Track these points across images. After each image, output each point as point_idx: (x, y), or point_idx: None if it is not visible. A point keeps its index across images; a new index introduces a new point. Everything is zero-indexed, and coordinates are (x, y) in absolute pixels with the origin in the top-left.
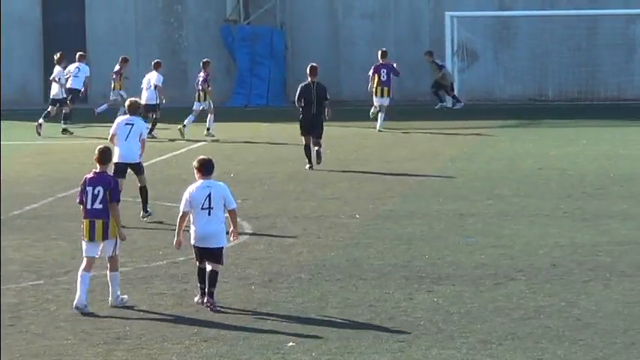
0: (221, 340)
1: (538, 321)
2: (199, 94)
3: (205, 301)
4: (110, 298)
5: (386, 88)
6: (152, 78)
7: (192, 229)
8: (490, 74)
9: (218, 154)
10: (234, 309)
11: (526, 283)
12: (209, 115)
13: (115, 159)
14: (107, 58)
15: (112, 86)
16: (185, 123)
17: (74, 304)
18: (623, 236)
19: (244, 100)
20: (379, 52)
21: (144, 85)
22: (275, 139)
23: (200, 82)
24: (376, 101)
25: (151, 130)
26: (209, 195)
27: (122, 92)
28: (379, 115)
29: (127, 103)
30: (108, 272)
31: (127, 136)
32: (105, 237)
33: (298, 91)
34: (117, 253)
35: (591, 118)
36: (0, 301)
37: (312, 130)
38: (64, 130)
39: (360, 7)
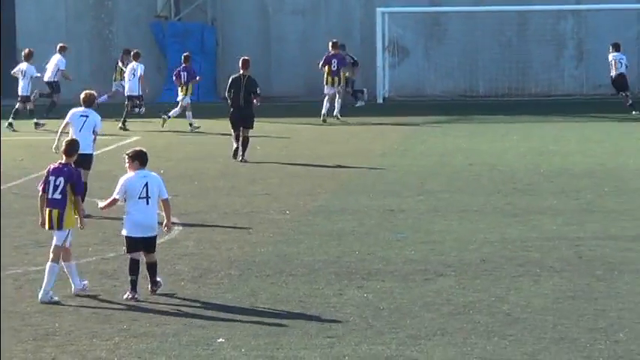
0: (151, 336)
1: (467, 316)
2: (184, 88)
3: (151, 291)
4: (73, 288)
5: (336, 78)
6: (136, 68)
7: (128, 219)
8: (421, 70)
9: (148, 151)
10: (164, 305)
11: (456, 279)
12: (187, 110)
13: None
14: (37, 54)
15: (113, 77)
16: (170, 114)
17: (39, 297)
18: (553, 232)
19: (175, 96)
20: (330, 43)
21: (127, 76)
22: (205, 136)
23: (186, 76)
24: (327, 90)
25: (124, 121)
26: (146, 184)
27: (123, 83)
28: (336, 101)
29: (82, 95)
30: (49, 263)
31: (81, 128)
32: (59, 227)
33: (228, 83)
34: (67, 245)
35: (522, 113)
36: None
37: (241, 121)
38: (9, 126)
39: (291, 3)
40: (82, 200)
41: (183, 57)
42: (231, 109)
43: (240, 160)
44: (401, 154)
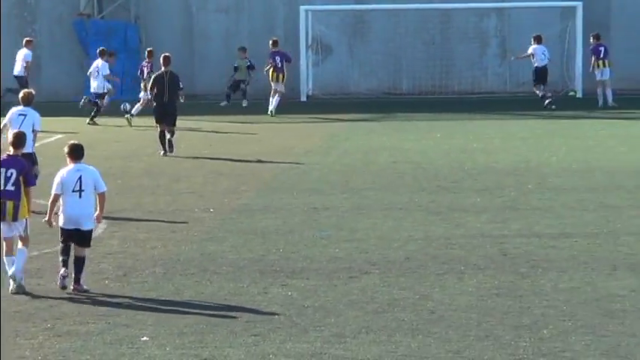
0: (75, 335)
1: (392, 314)
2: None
3: (72, 288)
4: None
5: (281, 74)
6: (100, 66)
7: (63, 211)
8: (344, 68)
9: None
10: (88, 304)
11: (380, 277)
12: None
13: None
14: None
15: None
16: (133, 112)
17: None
18: (477, 229)
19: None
20: (270, 42)
21: (92, 73)
22: (129, 134)
23: (147, 73)
24: (274, 86)
25: (94, 116)
26: (80, 178)
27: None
28: (274, 98)
29: (20, 94)
30: (21, 247)
31: (20, 127)
32: (14, 218)
33: (151, 81)
34: (27, 233)
35: (446, 111)
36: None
37: (165, 117)
38: None
39: (214, 2)
40: None
41: (147, 52)
42: (155, 106)
43: (163, 154)
44: (325, 152)
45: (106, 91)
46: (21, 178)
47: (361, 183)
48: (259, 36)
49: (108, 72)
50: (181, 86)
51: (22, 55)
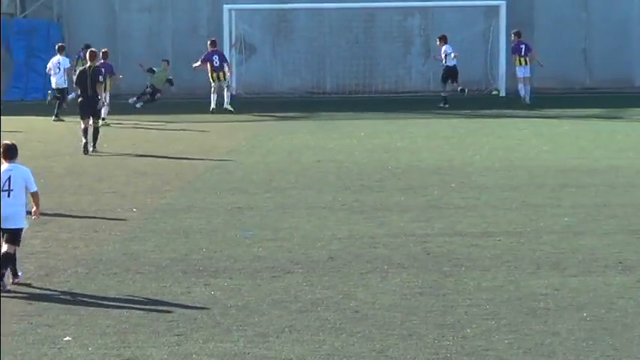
0: None
1: (316, 313)
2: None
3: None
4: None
5: (221, 73)
6: (61, 62)
7: None
8: (268, 67)
9: None
10: (10, 304)
11: (304, 276)
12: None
13: None
14: None
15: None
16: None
17: None
18: (401, 228)
19: (20, 94)
20: (209, 42)
21: (51, 70)
22: (52, 133)
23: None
24: (215, 85)
25: (58, 113)
26: (9, 178)
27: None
28: (225, 92)
29: None
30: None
31: None
32: None
33: (76, 76)
34: None
35: (369, 110)
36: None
37: (89, 112)
38: None
39: (137, 1)
40: None
41: (101, 53)
42: (80, 100)
43: (92, 152)
44: (248, 151)
45: (66, 86)
46: None
47: (285, 182)
48: (183, 35)
49: (69, 66)
50: (101, 80)
51: (57, 61)
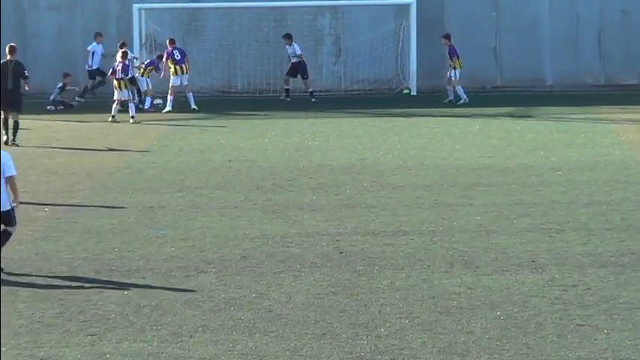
0: None
1: (229, 313)
2: (119, 82)
3: None
4: None
5: (184, 66)
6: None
7: None
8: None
9: None
10: None
11: (216, 275)
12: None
13: None
14: None
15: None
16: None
17: None
18: (313, 227)
19: None
20: (167, 40)
21: None
22: None
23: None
24: (174, 82)
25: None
26: None
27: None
28: (188, 94)
29: None
30: None
31: None
32: None
33: None
34: None
35: (281, 109)
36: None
37: (10, 104)
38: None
39: None
40: None
41: (121, 52)
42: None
43: (12, 144)
44: (160, 150)
45: None
46: None
47: (197, 181)
48: (92, 34)
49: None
50: (27, 74)
51: (94, 48)
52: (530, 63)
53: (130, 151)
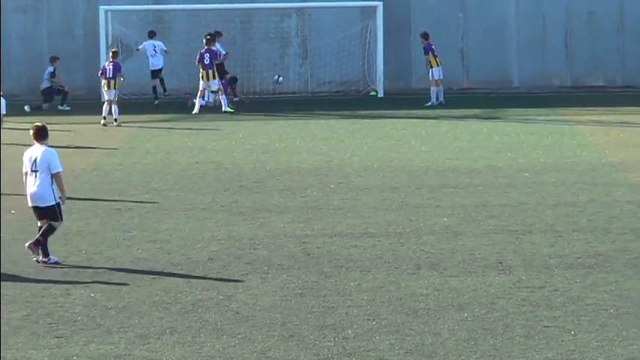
0: None
1: (196, 315)
2: (108, 82)
3: (27, 245)
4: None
5: (210, 71)
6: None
7: (26, 190)
8: (145, 68)
9: None
10: None
11: (184, 277)
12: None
13: None
14: None
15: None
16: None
17: None
18: (280, 229)
19: None
20: (204, 39)
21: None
22: None
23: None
24: (202, 85)
25: None
26: (35, 159)
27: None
28: (221, 97)
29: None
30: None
31: None
32: None
33: None
34: None
35: (247, 111)
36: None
37: None
38: None
39: (12, 1)
40: None
41: (111, 52)
42: None
43: None
44: (127, 152)
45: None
46: None
47: (163, 183)
48: (59, 36)
49: None
50: None
51: (153, 45)
52: (497, 64)
53: (97, 152)
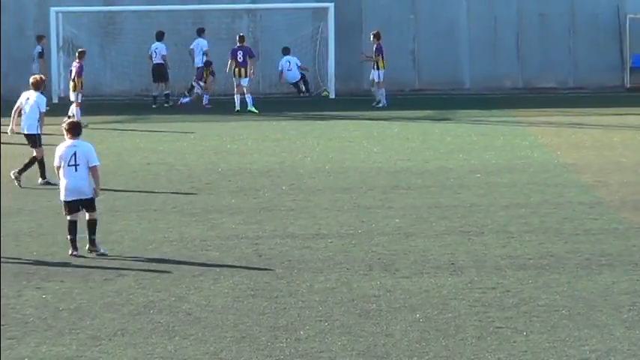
0: None
1: (148, 316)
2: (74, 84)
3: (87, 248)
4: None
5: (243, 69)
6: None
7: (62, 184)
8: (97, 70)
9: None
10: None
11: (135, 279)
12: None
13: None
14: None
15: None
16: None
17: None
18: (232, 230)
19: None
20: (237, 37)
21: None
22: None
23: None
24: (236, 82)
25: None
26: (75, 153)
27: (201, 83)
28: (246, 96)
29: (31, 79)
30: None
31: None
32: None
33: None
34: None
35: (199, 113)
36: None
37: None
38: None
39: None
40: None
41: (77, 52)
42: None
43: None
44: None
45: None
46: None
47: (115, 184)
48: (10, 37)
49: None
50: None
51: (199, 44)
52: (449, 66)
53: (48, 154)
